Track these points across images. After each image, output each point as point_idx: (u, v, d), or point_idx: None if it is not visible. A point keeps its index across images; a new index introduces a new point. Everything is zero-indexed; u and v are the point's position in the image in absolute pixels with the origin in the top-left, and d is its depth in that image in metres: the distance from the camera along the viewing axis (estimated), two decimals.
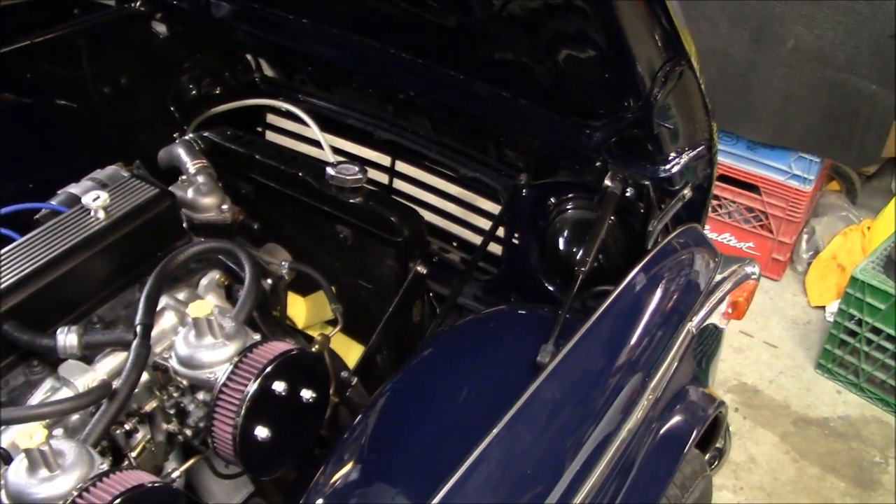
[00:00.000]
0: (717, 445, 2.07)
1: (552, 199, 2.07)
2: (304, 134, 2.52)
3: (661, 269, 1.72)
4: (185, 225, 1.86)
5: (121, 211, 1.67)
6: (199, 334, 1.45)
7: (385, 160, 2.50)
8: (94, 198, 1.64)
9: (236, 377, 1.39)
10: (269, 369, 1.39)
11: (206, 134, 2.21)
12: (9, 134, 2.13)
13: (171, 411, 1.52)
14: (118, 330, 1.55)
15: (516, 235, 2.20)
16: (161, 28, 2.46)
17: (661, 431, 1.58)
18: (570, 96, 1.85)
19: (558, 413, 1.38)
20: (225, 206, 1.95)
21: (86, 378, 1.48)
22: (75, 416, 1.47)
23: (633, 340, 1.56)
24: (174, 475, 1.50)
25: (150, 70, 2.45)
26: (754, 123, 3.73)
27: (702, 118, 1.77)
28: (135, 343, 1.44)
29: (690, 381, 1.75)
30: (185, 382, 1.48)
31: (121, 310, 1.68)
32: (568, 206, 2.06)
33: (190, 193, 1.93)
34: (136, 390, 1.47)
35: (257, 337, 1.50)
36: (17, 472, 1.22)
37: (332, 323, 1.95)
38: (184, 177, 1.97)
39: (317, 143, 2.41)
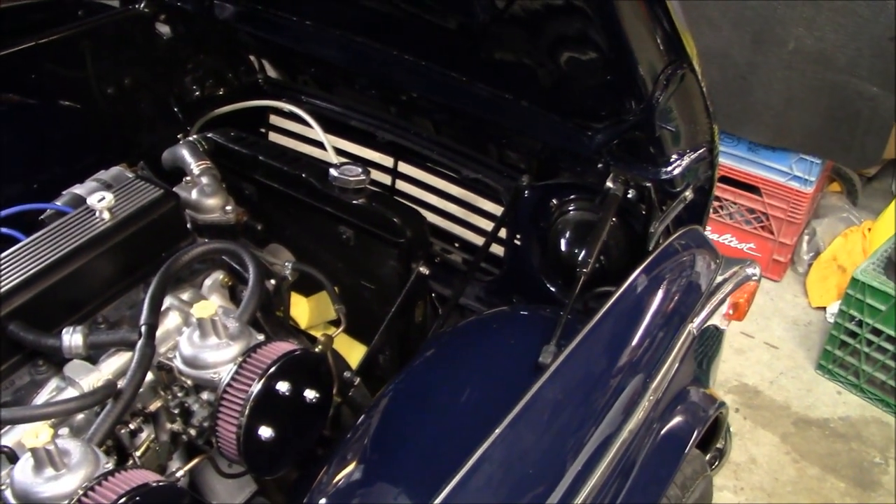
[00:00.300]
0: (718, 446, 2.08)
1: (554, 201, 2.08)
2: (307, 135, 2.53)
3: (663, 270, 1.73)
4: (189, 226, 1.88)
5: (125, 212, 1.68)
6: (203, 334, 1.46)
7: (388, 161, 2.51)
8: (100, 199, 1.65)
9: (240, 377, 1.40)
10: (272, 369, 1.40)
11: (209, 135, 2.22)
12: (13, 135, 2.14)
13: (176, 411, 1.53)
14: (123, 330, 1.56)
15: (518, 236, 2.21)
16: (165, 29, 2.47)
17: (662, 432, 1.59)
18: (572, 98, 1.86)
19: (560, 414, 1.39)
20: (229, 207, 1.96)
21: (91, 378, 1.50)
22: (81, 416, 1.48)
23: (635, 341, 1.57)
24: (178, 474, 1.51)
25: (154, 71, 2.46)
26: (755, 125, 3.73)
27: (703, 120, 1.78)
28: (139, 343, 1.45)
29: (691, 382, 1.76)
30: (189, 382, 1.49)
31: (125, 310, 1.69)
32: (570, 208, 2.07)
33: (194, 194, 1.94)
34: (141, 390, 1.49)
35: (261, 337, 1.52)
36: (23, 471, 1.24)
37: (335, 323, 1.96)
38: (188, 178, 1.98)
39: (320, 145, 2.42)
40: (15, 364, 1.52)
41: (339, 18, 2.16)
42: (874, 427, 3.29)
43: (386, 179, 2.52)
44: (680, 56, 1.57)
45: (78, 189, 1.88)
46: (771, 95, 3.65)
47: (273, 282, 1.89)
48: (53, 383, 1.52)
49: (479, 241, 2.36)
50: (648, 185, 1.83)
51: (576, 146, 1.91)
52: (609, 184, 1.85)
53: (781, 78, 3.59)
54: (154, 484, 1.25)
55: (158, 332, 1.53)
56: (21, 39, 2.14)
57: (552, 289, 2.17)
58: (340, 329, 1.89)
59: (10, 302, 1.48)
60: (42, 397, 1.50)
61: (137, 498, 1.21)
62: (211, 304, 1.46)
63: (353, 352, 2.18)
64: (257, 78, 2.65)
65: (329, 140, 2.40)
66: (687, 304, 1.71)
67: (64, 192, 1.89)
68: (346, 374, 1.89)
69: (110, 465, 1.28)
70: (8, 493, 1.24)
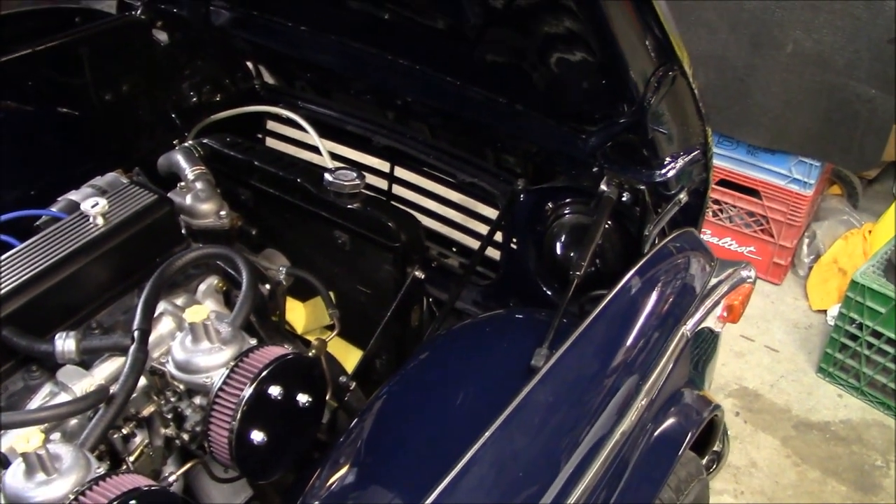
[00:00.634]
0: (715, 449, 2.08)
1: (550, 204, 2.08)
2: (303, 140, 2.54)
3: (657, 272, 1.73)
4: (183, 231, 1.88)
5: (119, 217, 1.69)
6: (195, 339, 1.46)
7: (384, 166, 2.51)
8: (93, 204, 1.66)
9: (232, 381, 1.41)
10: (264, 373, 1.40)
11: (205, 140, 2.23)
12: (11, 141, 2.15)
13: (169, 416, 1.53)
14: (116, 335, 1.56)
15: (514, 240, 2.21)
16: (162, 36, 2.48)
17: (656, 434, 1.59)
18: (566, 102, 1.86)
19: (552, 416, 1.39)
20: (223, 213, 1.97)
21: (83, 383, 1.50)
22: (74, 421, 1.48)
23: (628, 343, 1.57)
24: (171, 479, 1.51)
25: (151, 77, 2.47)
26: (754, 128, 3.73)
27: (696, 123, 1.78)
28: (132, 348, 1.45)
29: (686, 384, 1.76)
30: (181, 387, 1.49)
31: (119, 315, 1.69)
32: (565, 211, 2.07)
33: (188, 199, 1.94)
34: (134, 395, 1.49)
35: (253, 342, 1.52)
36: (14, 475, 1.24)
37: (332, 328, 1.96)
38: (182, 183, 1.99)
39: (316, 150, 2.42)
40: (8, 369, 1.52)
41: (335, 24, 2.17)
42: (875, 430, 3.28)
43: (383, 184, 2.52)
44: (670, 59, 1.57)
45: (73, 195, 1.89)
46: (769, 98, 3.65)
47: (268, 287, 1.89)
48: (47, 388, 1.52)
49: (475, 244, 2.36)
50: (642, 187, 1.83)
51: (570, 149, 1.91)
52: (603, 187, 1.85)
53: (780, 80, 3.59)
54: (146, 489, 1.25)
55: (152, 337, 1.54)
56: (18, 46, 2.15)
57: (548, 292, 2.17)
58: (334, 333, 1.89)
59: (3, 308, 1.48)
60: (35, 402, 1.51)
61: (129, 502, 1.21)
62: (203, 309, 1.46)
63: (350, 356, 2.18)
64: (254, 84, 2.66)
65: (325, 145, 2.41)
66: (681, 307, 1.71)
67: (59, 199, 1.90)
68: (342, 378, 1.89)
69: (102, 470, 1.28)
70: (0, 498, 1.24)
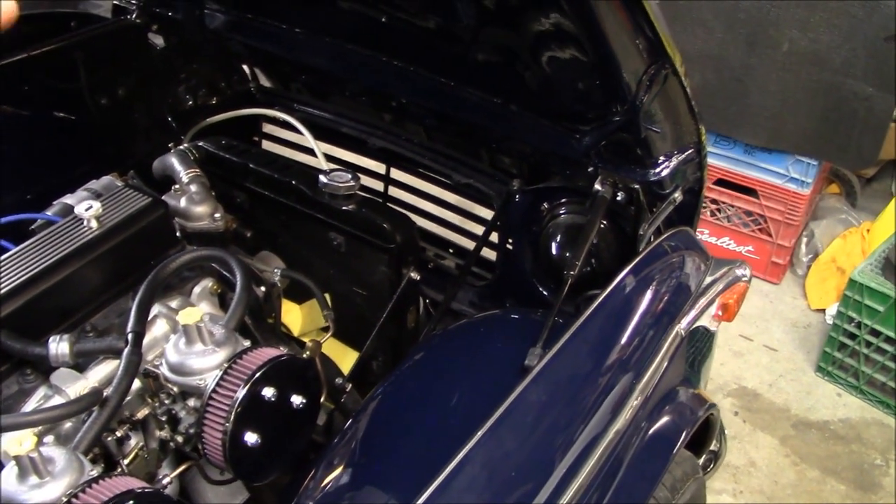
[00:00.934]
0: (712, 448, 2.07)
1: (545, 205, 2.08)
2: (299, 143, 2.54)
3: (651, 271, 1.73)
4: (178, 234, 1.88)
5: (113, 220, 1.69)
6: (188, 341, 1.46)
7: (380, 168, 2.51)
8: (87, 207, 1.66)
9: (225, 383, 1.41)
10: (257, 375, 1.40)
11: (200, 143, 2.24)
12: (7, 146, 2.16)
13: (163, 418, 1.53)
14: (110, 338, 1.56)
15: (510, 241, 2.21)
16: (157, 40, 2.49)
17: (650, 432, 1.58)
18: (559, 101, 1.86)
19: (545, 415, 1.39)
20: (217, 215, 1.97)
21: (77, 386, 1.50)
22: (68, 424, 1.48)
23: (622, 342, 1.57)
24: (165, 482, 1.51)
25: (147, 81, 2.47)
26: (751, 127, 3.73)
27: (689, 121, 1.78)
28: (126, 351, 1.45)
29: (681, 383, 1.76)
30: (175, 389, 1.49)
31: (114, 318, 1.69)
32: (560, 211, 2.07)
33: (183, 202, 1.95)
34: (129, 398, 1.49)
35: (247, 343, 1.52)
36: (7, 478, 1.24)
37: (328, 330, 1.96)
38: (177, 186, 1.99)
39: (312, 152, 2.43)
40: (3, 373, 1.52)
41: (329, 26, 2.17)
42: (874, 429, 3.27)
43: (379, 186, 2.52)
44: (661, 57, 1.57)
45: (68, 199, 1.90)
46: (766, 97, 3.65)
47: (263, 289, 1.89)
48: (41, 392, 1.52)
49: (472, 246, 2.36)
50: (637, 186, 1.83)
51: (564, 149, 1.91)
52: (597, 186, 1.85)
53: (776, 80, 3.59)
54: (139, 491, 1.25)
55: (146, 340, 1.54)
56: (14, 51, 2.15)
57: (545, 292, 2.17)
58: (329, 335, 1.89)
59: None
60: (30, 406, 1.51)
61: None
62: (196, 311, 1.46)
63: (347, 358, 2.18)
64: (250, 86, 2.66)
65: (321, 147, 2.41)
66: (675, 305, 1.71)
67: (54, 202, 1.90)
68: (338, 380, 1.89)
69: (95, 473, 1.28)
70: None
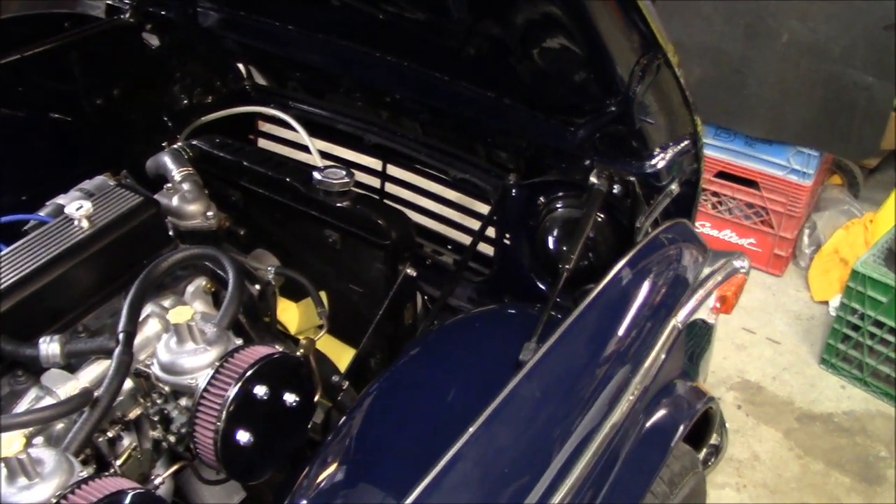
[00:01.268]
0: (713, 442, 2.06)
1: (542, 199, 2.07)
2: (295, 140, 2.53)
3: (648, 263, 1.72)
4: (171, 233, 1.87)
5: (104, 220, 1.68)
6: (180, 340, 1.45)
7: (376, 164, 2.50)
8: (78, 207, 1.65)
9: (217, 382, 1.40)
10: (249, 373, 1.39)
11: (194, 142, 2.22)
12: (2, 147, 2.15)
13: (156, 418, 1.52)
14: (101, 338, 1.55)
15: (507, 236, 2.19)
16: (151, 39, 2.48)
17: (647, 426, 1.57)
18: (553, 94, 1.85)
19: (540, 409, 1.37)
20: (210, 213, 1.96)
21: (68, 387, 1.49)
22: (60, 425, 1.47)
23: (618, 335, 1.56)
24: (157, 482, 1.50)
25: (142, 81, 2.46)
26: (751, 119, 3.71)
27: (684, 112, 1.76)
28: (117, 351, 1.44)
29: (679, 376, 1.74)
30: (167, 389, 1.48)
31: (107, 318, 1.69)
32: (557, 205, 2.06)
33: (175, 201, 1.94)
34: (120, 398, 1.49)
35: (239, 342, 1.51)
36: None
37: (324, 328, 1.95)
38: (169, 184, 1.98)
39: (308, 149, 2.41)
40: None
41: (322, 23, 2.16)
42: (879, 421, 3.25)
43: (375, 182, 2.51)
44: (654, 48, 1.55)
45: (61, 199, 1.89)
46: (766, 89, 3.63)
47: (258, 287, 1.88)
48: (32, 393, 1.51)
49: (469, 241, 2.35)
50: (633, 179, 1.82)
51: (559, 142, 1.89)
52: (593, 179, 1.84)
53: (776, 71, 3.57)
54: (130, 492, 1.24)
55: (137, 340, 1.53)
56: (8, 52, 2.14)
57: (542, 287, 2.15)
58: (323, 332, 1.88)
59: None
60: (21, 407, 1.50)
61: None
62: (187, 310, 1.45)
63: (344, 356, 2.16)
64: (245, 84, 2.65)
65: (317, 144, 2.40)
66: (672, 298, 1.70)
67: (48, 203, 1.89)
68: (335, 377, 1.88)
69: (85, 474, 1.27)
70: None
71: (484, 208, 2.32)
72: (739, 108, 3.72)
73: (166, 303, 1.71)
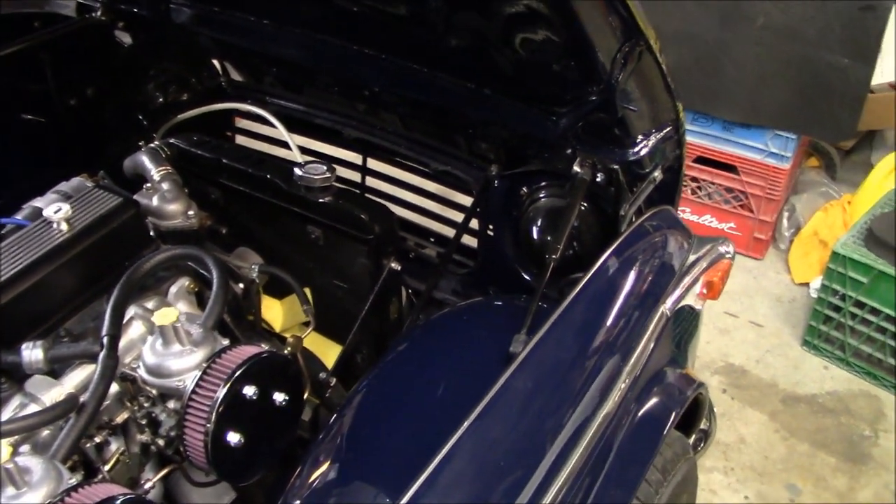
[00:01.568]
0: (702, 427, 2.06)
1: (524, 189, 2.06)
2: (273, 136, 2.50)
3: (634, 252, 1.71)
4: (152, 233, 1.85)
5: (84, 222, 1.66)
6: (166, 342, 1.43)
7: (357, 158, 2.48)
8: (56, 210, 1.62)
9: (205, 383, 1.38)
10: (238, 374, 1.38)
11: (171, 140, 2.19)
12: None
13: (143, 422, 1.50)
14: (85, 342, 1.53)
15: (491, 227, 2.19)
16: (124, 37, 2.44)
17: (639, 415, 1.57)
18: (533, 83, 1.84)
19: (532, 401, 1.36)
20: (191, 213, 1.93)
21: (53, 393, 1.47)
22: (46, 432, 1.44)
23: (607, 325, 1.55)
24: (146, 486, 1.48)
25: (116, 80, 2.43)
26: (729, 103, 3.73)
27: (665, 99, 1.76)
28: (101, 355, 1.42)
29: (668, 364, 1.74)
30: (154, 392, 1.46)
31: (89, 322, 1.66)
32: (540, 195, 2.05)
33: (155, 201, 1.91)
34: (107, 402, 1.46)
35: (226, 342, 1.49)
36: None
37: (309, 325, 1.94)
38: (148, 184, 1.95)
39: (287, 145, 2.39)
40: None
41: (298, 17, 2.13)
42: (862, 400, 3.28)
43: (356, 177, 2.49)
44: (635, 35, 1.55)
45: (37, 202, 1.86)
46: (742, 73, 3.64)
47: (241, 285, 1.86)
48: (17, 400, 1.48)
49: (452, 233, 2.34)
50: (616, 167, 1.81)
51: (541, 132, 1.89)
52: (576, 168, 1.83)
53: (752, 55, 3.58)
54: (119, 497, 1.22)
55: (122, 343, 1.50)
56: None
57: (527, 277, 2.15)
58: (310, 330, 1.86)
59: None
60: (5, 415, 1.47)
61: None
62: (172, 311, 1.43)
63: (330, 352, 2.15)
64: (220, 81, 2.62)
65: (296, 140, 2.37)
66: (659, 285, 1.69)
67: (24, 206, 1.86)
68: (322, 375, 1.87)
69: (74, 481, 1.25)
70: None
71: (466, 200, 2.31)
72: (717, 92, 3.73)
73: (150, 304, 1.69)
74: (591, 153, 1.82)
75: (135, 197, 1.83)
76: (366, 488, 1.41)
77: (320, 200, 2.00)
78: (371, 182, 2.52)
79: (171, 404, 1.46)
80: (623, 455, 1.48)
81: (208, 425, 1.35)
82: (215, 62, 2.62)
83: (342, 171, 2.32)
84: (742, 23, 3.51)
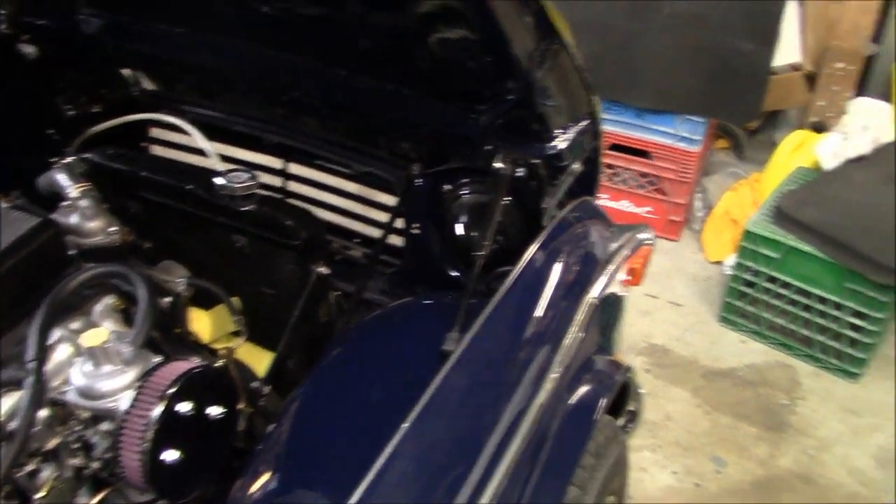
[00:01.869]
0: (630, 409, 2.12)
1: (447, 186, 2.08)
2: (191, 145, 2.46)
3: (558, 244, 1.76)
4: (73, 252, 1.81)
5: (0, 246, 1.61)
6: (96, 363, 1.41)
7: (277, 163, 2.46)
8: None
9: (139, 403, 1.36)
10: (171, 390, 1.37)
11: (86, 155, 2.14)
12: None
13: (76, 446, 1.47)
14: (9, 369, 1.49)
15: (416, 225, 2.20)
16: (29, 49, 2.37)
17: (571, 403, 1.61)
18: (452, 82, 1.86)
19: (468, 398, 1.40)
20: (112, 229, 1.90)
21: None
22: None
23: (537, 317, 1.59)
24: None
25: (22, 94, 2.35)
26: (639, 91, 3.83)
27: (581, 93, 1.81)
28: (28, 381, 1.39)
29: (596, 351, 1.79)
30: (86, 414, 1.44)
31: (13, 347, 1.62)
32: (463, 192, 2.08)
33: (74, 219, 1.87)
34: (37, 428, 1.43)
35: (158, 359, 1.47)
36: None
37: (240, 334, 1.92)
38: (66, 202, 1.91)
39: (205, 154, 2.35)
40: None
41: (210, 22, 2.10)
42: (779, 371, 3.42)
43: (278, 182, 2.47)
44: (551, 33, 1.58)
45: None
46: (651, 61, 3.74)
47: (168, 299, 1.84)
48: None
49: (379, 234, 2.34)
50: (537, 161, 1.85)
51: (462, 130, 1.91)
52: (498, 164, 1.86)
53: (660, 43, 3.69)
54: None
55: (49, 366, 1.48)
56: None
57: (455, 274, 2.17)
58: (242, 340, 1.85)
59: None
60: None
61: None
62: (101, 331, 1.42)
63: (263, 360, 2.13)
64: (133, 91, 2.56)
65: (215, 147, 2.34)
66: (585, 275, 1.74)
67: None
68: (255, 384, 1.86)
69: None
70: None
71: (391, 200, 2.32)
72: (628, 81, 3.83)
73: (75, 325, 1.65)
74: (512, 149, 1.86)
75: (52, 216, 1.79)
76: (309, 495, 1.42)
77: (243, 209, 1.98)
78: (294, 187, 2.50)
79: (105, 426, 1.44)
80: (558, 444, 1.52)
81: (144, 445, 1.34)
82: (127, 71, 2.56)
83: (265, 177, 2.31)
84: (650, 12, 3.62)
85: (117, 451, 1.37)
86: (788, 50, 4.04)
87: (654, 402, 3.23)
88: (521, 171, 1.87)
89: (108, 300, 1.73)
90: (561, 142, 1.84)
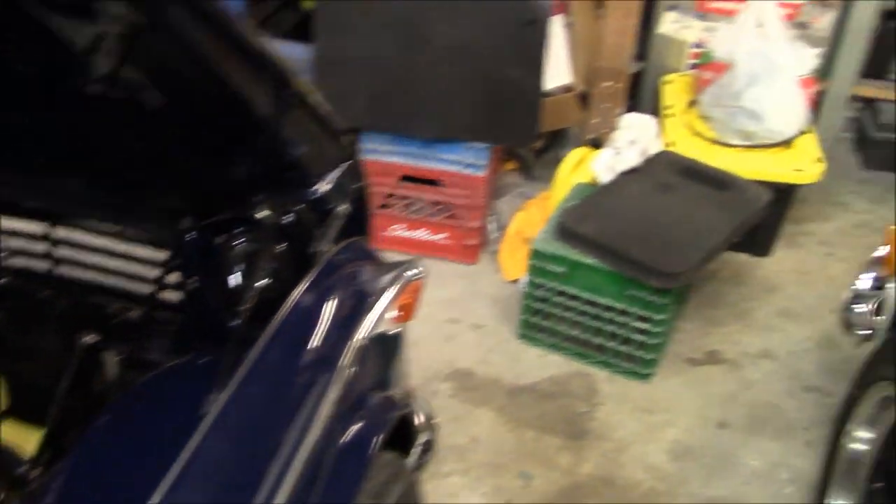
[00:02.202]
0: (423, 440, 2.15)
1: (219, 238, 2.06)
2: None
3: (325, 287, 1.77)
4: None
5: None
6: None
7: (42, 229, 2.34)
8: None
9: None
10: None
11: None
12: None
13: None
14: None
15: (192, 279, 2.16)
16: None
17: (343, 444, 1.62)
18: (206, 141, 1.85)
19: (226, 459, 1.37)
20: None
21: None
22: None
23: (303, 364, 1.60)
24: None
25: None
26: (423, 122, 3.92)
27: (333, 137, 1.84)
28: None
29: (371, 389, 1.81)
30: None
31: None
32: (237, 242, 2.05)
33: None
34: None
35: None
36: None
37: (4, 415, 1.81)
38: None
39: None
40: None
41: None
42: (577, 380, 3.57)
43: (43, 248, 2.35)
44: (284, 84, 1.61)
45: None
46: (431, 92, 3.85)
47: None
48: None
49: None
50: (301, 206, 1.87)
51: (224, 185, 1.90)
52: (264, 213, 1.86)
53: (436, 74, 3.79)
54: None
55: None
56: None
57: (234, 325, 2.14)
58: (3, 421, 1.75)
59: None
60: None
61: None
62: None
63: (33, 439, 2.02)
64: None
65: None
66: (352, 317, 1.76)
67: None
68: (21, 469, 1.76)
69: None
70: None
71: (164, 256, 2.26)
72: (411, 113, 3.91)
73: None
74: (275, 196, 1.86)
75: None
76: None
77: None
78: (63, 251, 2.39)
79: None
80: (331, 488, 1.52)
81: None
82: None
83: (26, 245, 2.19)
84: (421, 45, 3.72)
85: None
86: (559, 73, 4.27)
87: (461, 426, 3.30)
88: (288, 218, 1.88)
89: None
90: (323, 185, 1.87)
